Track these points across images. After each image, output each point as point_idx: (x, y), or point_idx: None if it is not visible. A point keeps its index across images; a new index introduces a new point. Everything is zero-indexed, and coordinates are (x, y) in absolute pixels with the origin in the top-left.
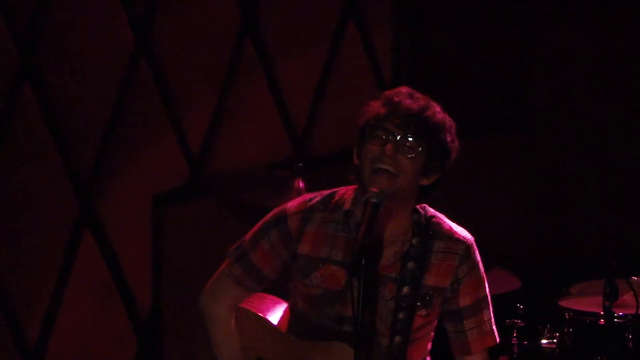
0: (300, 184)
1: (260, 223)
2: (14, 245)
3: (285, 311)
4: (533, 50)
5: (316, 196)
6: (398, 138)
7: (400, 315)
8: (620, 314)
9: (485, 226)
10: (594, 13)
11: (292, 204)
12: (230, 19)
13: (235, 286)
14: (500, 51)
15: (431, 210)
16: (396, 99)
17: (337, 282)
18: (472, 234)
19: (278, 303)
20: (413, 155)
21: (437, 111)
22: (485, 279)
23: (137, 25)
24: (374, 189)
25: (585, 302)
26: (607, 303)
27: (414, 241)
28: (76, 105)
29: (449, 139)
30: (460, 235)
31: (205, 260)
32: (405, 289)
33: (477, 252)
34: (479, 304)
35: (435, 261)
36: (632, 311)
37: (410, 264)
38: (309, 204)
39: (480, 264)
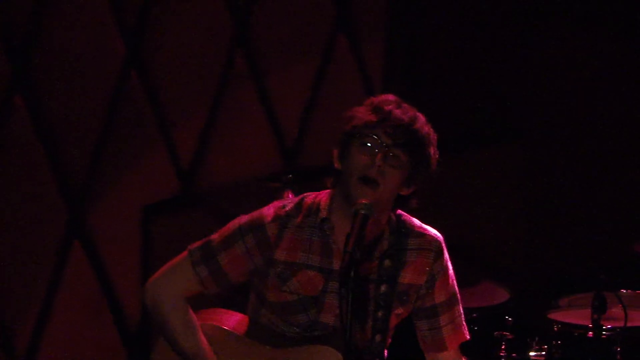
0: (290, 196)
1: (232, 227)
2: (3, 256)
3: (244, 324)
4: (528, 60)
5: (288, 203)
6: (387, 148)
7: (379, 314)
8: (609, 326)
9: (475, 236)
10: (590, 24)
11: (268, 212)
12: (221, 32)
13: (196, 285)
14: (494, 62)
15: (398, 210)
16: (386, 107)
17: (314, 287)
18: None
19: (240, 317)
20: (399, 166)
21: (424, 123)
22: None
23: (129, 38)
24: (363, 201)
25: (573, 314)
26: (595, 316)
27: (390, 240)
28: (67, 117)
29: (432, 151)
30: (431, 232)
31: None
32: (383, 287)
33: (446, 249)
34: (452, 300)
35: (410, 258)
36: (621, 324)
37: (387, 262)
38: (284, 210)
39: (449, 261)
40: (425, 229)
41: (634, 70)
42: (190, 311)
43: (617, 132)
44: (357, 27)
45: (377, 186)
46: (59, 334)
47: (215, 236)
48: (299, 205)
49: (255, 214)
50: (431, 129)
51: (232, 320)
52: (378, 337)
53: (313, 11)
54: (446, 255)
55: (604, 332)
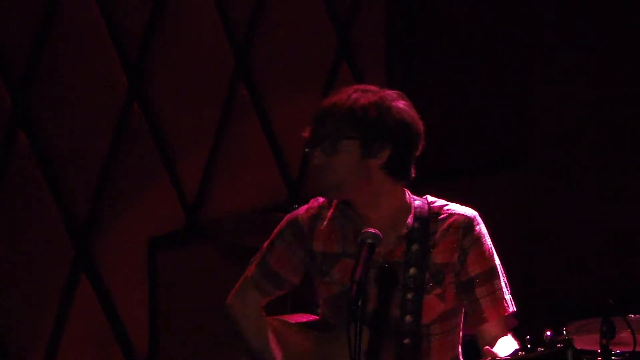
0: None
1: (275, 230)
2: (10, 291)
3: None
4: (529, 89)
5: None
6: (309, 148)
7: (409, 296)
8: (618, 351)
9: None
10: (591, 51)
11: (302, 207)
12: (223, 62)
13: (255, 290)
14: (496, 91)
15: (432, 198)
16: (326, 99)
17: None
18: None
19: (313, 318)
20: (328, 150)
21: (348, 98)
22: (494, 251)
23: (131, 70)
24: (370, 230)
25: (582, 340)
26: (604, 341)
27: (416, 225)
28: (71, 151)
29: (368, 115)
30: (460, 211)
31: (202, 304)
32: (412, 270)
33: (481, 225)
34: (490, 272)
35: (440, 239)
36: (630, 349)
37: (415, 247)
38: (316, 203)
39: (487, 236)
40: (453, 211)
41: (636, 99)
42: (260, 316)
43: (623, 156)
44: (359, 56)
45: (322, 174)
46: None
47: (265, 242)
48: (330, 200)
49: (290, 213)
50: (370, 97)
51: (303, 319)
52: (408, 318)
53: (315, 41)
54: (479, 229)
55: (613, 358)
